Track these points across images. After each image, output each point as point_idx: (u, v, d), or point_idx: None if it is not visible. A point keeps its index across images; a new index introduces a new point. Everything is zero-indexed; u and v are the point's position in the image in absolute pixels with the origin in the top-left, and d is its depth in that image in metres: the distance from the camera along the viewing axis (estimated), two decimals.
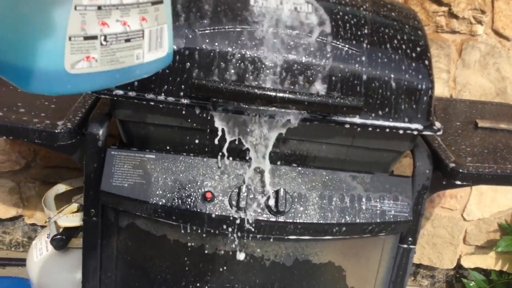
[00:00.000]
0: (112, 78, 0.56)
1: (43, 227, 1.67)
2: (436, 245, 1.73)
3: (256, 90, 0.86)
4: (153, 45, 0.60)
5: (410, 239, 1.07)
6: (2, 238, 1.73)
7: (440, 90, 1.52)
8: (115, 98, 0.92)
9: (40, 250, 1.22)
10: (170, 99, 0.91)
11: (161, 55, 0.63)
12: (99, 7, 0.52)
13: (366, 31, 0.95)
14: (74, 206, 1.21)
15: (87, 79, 0.53)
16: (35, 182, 1.64)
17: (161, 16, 0.61)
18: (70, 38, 0.50)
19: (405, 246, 1.07)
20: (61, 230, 1.18)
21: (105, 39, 0.54)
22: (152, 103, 0.91)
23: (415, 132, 0.95)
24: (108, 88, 0.58)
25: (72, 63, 0.51)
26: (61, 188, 1.28)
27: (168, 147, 1.00)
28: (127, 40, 0.56)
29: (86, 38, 0.52)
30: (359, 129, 0.94)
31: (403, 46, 0.95)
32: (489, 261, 1.75)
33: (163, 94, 0.91)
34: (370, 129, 0.94)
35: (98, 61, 0.54)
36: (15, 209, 1.68)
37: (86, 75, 0.53)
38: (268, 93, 0.86)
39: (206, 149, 1.00)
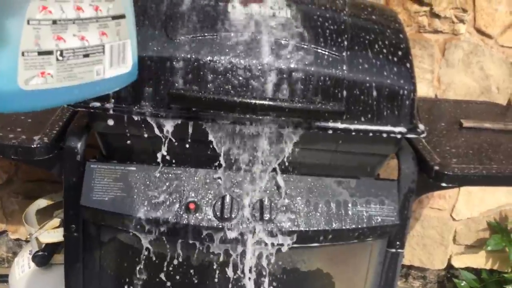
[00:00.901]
0: (70, 94, 0.54)
1: (27, 242, 1.64)
2: (426, 246, 1.72)
3: (235, 98, 0.84)
4: (115, 60, 0.59)
5: (398, 243, 1.05)
6: None
7: (425, 90, 1.51)
8: (92, 111, 0.90)
9: (22, 267, 1.20)
10: (148, 110, 0.89)
11: (125, 71, 0.61)
12: (54, 21, 0.51)
13: (346, 35, 0.93)
14: (56, 221, 1.18)
15: (43, 96, 0.51)
16: (18, 196, 1.61)
17: (124, 31, 0.59)
18: (23, 54, 0.49)
19: (393, 250, 1.06)
20: (43, 246, 1.15)
21: (61, 54, 0.52)
22: (130, 115, 0.89)
23: (399, 136, 0.94)
24: (67, 103, 0.56)
25: (26, 79, 0.50)
26: (42, 203, 1.25)
27: (149, 159, 0.98)
28: (86, 55, 0.55)
29: (41, 53, 0.50)
30: (342, 134, 0.93)
31: (384, 50, 0.94)
32: (480, 260, 1.75)
33: (141, 105, 0.89)
34: (353, 133, 0.92)
35: (54, 77, 0.52)
36: None
37: (42, 92, 0.51)
38: (248, 101, 0.84)
39: (189, 159, 0.98)
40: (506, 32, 1.46)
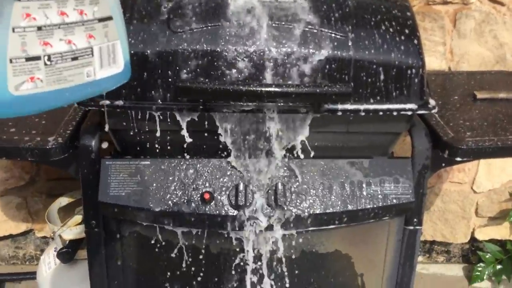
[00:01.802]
0: (61, 97, 0.55)
1: (53, 239, 1.68)
2: (448, 220, 1.71)
3: (241, 87, 0.84)
4: (105, 61, 0.60)
5: (415, 220, 1.05)
6: (15, 253, 1.75)
7: (438, 63, 1.49)
8: (102, 109, 0.91)
9: (49, 264, 1.23)
10: (158, 104, 0.90)
11: (117, 71, 0.62)
12: (39, 28, 0.52)
13: (350, 14, 0.92)
14: (78, 217, 1.21)
15: (34, 100, 0.53)
16: (41, 195, 1.65)
17: (112, 32, 0.60)
18: (11, 61, 0.50)
19: (411, 228, 1.06)
20: (67, 242, 1.18)
21: (49, 59, 0.53)
22: (139, 111, 0.91)
23: (410, 113, 0.93)
24: (59, 106, 0.58)
25: (16, 85, 0.51)
26: (64, 200, 1.28)
27: (162, 152, 0.99)
28: (74, 58, 0.56)
29: (28, 59, 0.51)
30: (352, 115, 0.92)
31: (390, 27, 0.92)
32: (504, 232, 1.73)
33: (150, 100, 0.90)
34: (363, 114, 0.92)
35: (44, 81, 0.53)
36: (25, 224, 1.69)
37: (33, 96, 0.53)
38: (254, 89, 0.84)
39: (201, 150, 0.98)
40: None
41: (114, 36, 0.61)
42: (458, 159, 0.98)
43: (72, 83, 0.56)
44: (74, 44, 0.56)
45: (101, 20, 0.58)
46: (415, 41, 0.92)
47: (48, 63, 0.53)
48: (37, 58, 0.52)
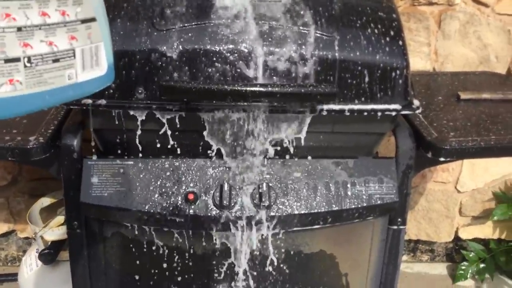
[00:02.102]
0: (42, 100, 0.54)
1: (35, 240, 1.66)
2: (432, 219, 1.72)
3: (226, 87, 0.84)
4: (87, 64, 0.58)
5: (399, 220, 1.05)
6: None
7: (422, 64, 1.50)
8: (84, 108, 0.90)
9: (30, 266, 1.21)
10: (141, 104, 0.89)
11: (100, 74, 0.61)
12: (19, 29, 0.50)
13: (336, 14, 0.92)
14: (61, 218, 1.19)
15: (13, 103, 0.51)
16: (24, 196, 1.62)
17: (95, 34, 0.59)
18: None
19: (395, 227, 1.06)
20: (49, 244, 1.16)
21: (29, 61, 0.52)
22: (123, 110, 0.89)
23: (394, 113, 0.94)
24: (39, 109, 0.56)
25: None
26: (46, 201, 1.26)
27: (145, 152, 0.98)
28: (56, 61, 0.54)
29: (7, 61, 0.50)
30: (337, 115, 0.92)
31: (375, 27, 0.92)
32: (487, 231, 1.75)
33: (132, 99, 0.89)
34: (348, 114, 0.92)
35: (24, 84, 0.51)
36: (7, 224, 1.67)
37: (12, 99, 0.51)
38: (239, 88, 0.84)
39: (185, 150, 0.98)
40: (503, 0, 1.43)
41: (98, 38, 0.59)
42: (442, 159, 0.98)
43: (53, 86, 0.55)
44: (56, 45, 0.54)
45: (84, 21, 0.57)
46: (400, 42, 0.93)
47: (28, 65, 0.52)
48: (17, 59, 0.51)
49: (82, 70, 0.58)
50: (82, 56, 0.57)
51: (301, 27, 0.89)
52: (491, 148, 0.99)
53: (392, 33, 0.93)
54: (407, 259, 1.82)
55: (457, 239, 1.78)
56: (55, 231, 1.14)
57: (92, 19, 0.58)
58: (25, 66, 0.52)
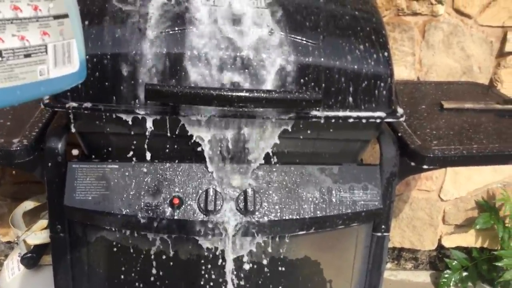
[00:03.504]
0: (12, 95, 0.53)
1: (17, 244, 1.64)
2: (416, 227, 1.74)
3: (212, 92, 0.84)
4: (59, 60, 0.58)
5: (383, 227, 1.06)
6: None
7: (407, 73, 1.52)
8: (69, 111, 0.89)
9: (12, 270, 1.20)
10: (126, 107, 0.89)
11: (71, 71, 0.60)
12: None
13: (320, 21, 0.93)
14: (44, 222, 1.18)
15: None
16: (6, 199, 1.60)
17: (67, 31, 0.58)
18: None
19: (379, 234, 1.07)
20: (31, 248, 1.15)
21: (0, 55, 0.51)
22: (108, 114, 0.89)
23: (378, 120, 0.95)
24: (10, 105, 0.56)
25: None
26: (28, 205, 1.25)
27: (131, 155, 0.97)
28: (27, 56, 0.54)
29: None
30: (322, 121, 0.93)
31: (360, 36, 0.94)
32: (470, 239, 1.77)
33: (118, 102, 0.89)
34: (333, 121, 0.93)
35: None
36: None
37: None
38: (224, 93, 0.84)
39: (171, 154, 0.98)
40: (485, 11, 1.46)
41: (70, 34, 0.59)
42: (425, 166, 0.99)
43: (24, 81, 0.54)
44: (28, 40, 0.54)
45: (56, 17, 0.57)
46: (385, 51, 0.94)
47: (0, 59, 0.51)
48: None
49: (54, 66, 0.57)
50: (54, 52, 0.57)
51: (286, 34, 0.90)
52: (473, 157, 1.01)
53: (377, 42, 0.94)
54: (391, 266, 1.83)
55: (440, 247, 1.79)
56: (38, 235, 1.13)
57: (65, 16, 0.58)
58: None
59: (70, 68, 0.60)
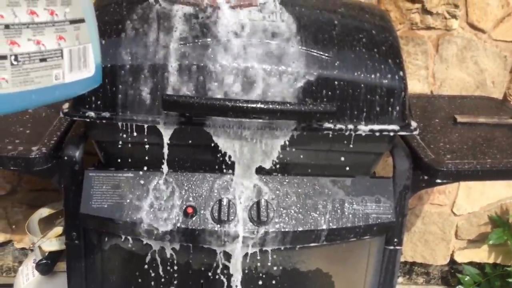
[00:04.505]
0: (27, 99, 0.54)
1: (32, 250, 1.66)
2: (428, 241, 1.73)
3: (227, 103, 0.86)
4: (75, 64, 0.58)
5: (395, 240, 1.06)
6: None
7: (420, 87, 1.52)
8: (88, 120, 0.91)
9: (27, 276, 1.21)
10: (144, 118, 0.90)
11: (87, 75, 0.61)
12: (7, 26, 0.50)
13: (336, 35, 0.95)
14: (59, 229, 1.20)
15: None
16: (22, 206, 1.62)
17: (83, 35, 0.59)
18: None
19: (391, 247, 1.07)
20: (46, 254, 1.16)
21: (16, 59, 0.51)
22: (126, 123, 0.91)
23: (392, 134, 0.95)
24: (25, 109, 0.57)
25: None
26: (44, 212, 1.27)
27: (146, 165, 0.99)
28: (43, 60, 0.54)
29: None
30: (336, 134, 0.94)
31: (374, 49, 0.95)
32: (482, 255, 1.75)
33: (136, 112, 0.91)
34: (346, 133, 0.94)
35: (10, 82, 0.51)
36: (4, 234, 1.66)
37: None
38: (240, 104, 0.85)
39: (186, 164, 0.99)
40: (499, 26, 1.46)
41: (86, 39, 0.60)
42: (438, 180, 0.99)
43: (39, 85, 0.54)
44: (43, 45, 0.54)
45: (72, 22, 0.57)
46: (399, 65, 0.95)
47: (15, 63, 0.52)
48: (3, 57, 0.51)
49: (69, 70, 0.58)
50: (69, 56, 0.58)
51: (301, 47, 0.91)
52: (487, 171, 1.01)
53: (391, 55, 0.95)
54: (402, 281, 1.82)
55: (452, 262, 1.78)
56: (53, 241, 1.15)
57: (81, 20, 0.59)
58: (11, 64, 0.51)
59: (85, 73, 0.61)
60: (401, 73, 0.94)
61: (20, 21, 0.52)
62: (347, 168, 1.03)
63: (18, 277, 1.24)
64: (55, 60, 0.56)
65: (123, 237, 0.99)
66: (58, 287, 1.18)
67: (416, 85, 1.51)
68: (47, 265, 1.14)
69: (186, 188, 0.98)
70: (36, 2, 0.53)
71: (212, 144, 0.94)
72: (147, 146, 0.96)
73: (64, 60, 0.57)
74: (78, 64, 0.59)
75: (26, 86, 0.53)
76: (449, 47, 1.48)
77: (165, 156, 0.96)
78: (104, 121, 0.91)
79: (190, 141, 0.95)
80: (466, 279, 1.73)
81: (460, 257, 1.76)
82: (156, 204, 0.97)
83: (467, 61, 1.50)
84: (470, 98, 1.44)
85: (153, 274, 1.03)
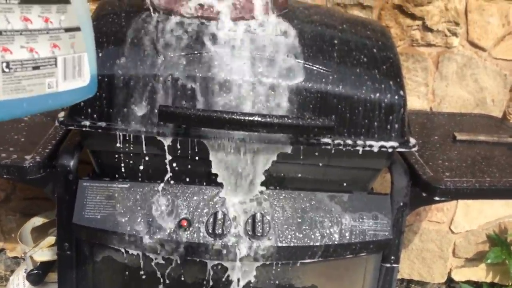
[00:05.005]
0: (19, 108, 0.52)
1: (24, 259, 1.64)
2: (425, 259, 1.71)
3: (224, 115, 0.85)
4: (69, 73, 0.57)
5: (392, 257, 1.05)
6: None
7: (419, 103, 1.52)
8: (84, 129, 0.90)
9: (17, 286, 1.19)
10: (140, 128, 0.89)
11: (81, 85, 0.59)
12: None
13: (336, 50, 0.94)
14: (52, 239, 1.18)
15: None
16: (16, 214, 1.61)
17: (79, 44, 0.57)
18: None
19: (388, 265, 1.05)
20: (38, 264, 1.15)
21: (7, 66, 0.50)
22: (122, 133, 0.90)
23: (390, 150, 0.94)
24: (17, 117, 0.55)
25: None
26: (38, 221, 1.25)
27: (141, 176, 0.98)
28: (36, 68, 0.53)
29: None
30: (333, 149, 0.93)
31: (374, 65, 0.94)
32: (480, 273, 1.73)
33: (132, 123, 0.90)
34: (344, 148, 0.93)
35: (0, 90, 0.50)
36: None
37: None
38: (237, 117, 0.84)
39: (181, 176, 0.98)
40: (500, 44, 1.46)
41: (81, 48, 0.58)
42: (437, 198, 0.98)
43: (31, 93, 0.53)
44: (37, 52, 0.53)
45: (68, 30, 0.56)
46: (398, 81, 0.94)
47: (6, 70, 0.50)
48: None
49: (63, 79, 0.56)
50: (64, 65, 0.56)
51: (300, 61, 0.91)
52: (485, 190, 1.00)
53: (390, 71, 0.94)
54: None
55: (450, 280, 1.76)
56: (45, 251, 1.13)
57: (77, 29, 0.57)
58: (3, 71, 0.50)
59: (80, 82, 0.60)
60: (400, 90, 0.93)
61: (13, 28, 0.51)
62: (345, 184, 1.02)
63: (8, 287, 1.22)
64: (49, 68, 0.55)
65: (115, 248, 0.97)
66: None
67: (415, 102, 1.50)
68: (38, 276, 1.12)
69: (180, 200, 0.97)
70: (30, 8, 0.51)
71: (208, 157, 0.93)
72: (142, 157, 0.95)
73: (58, 69, 0.56)
74: (72, 73, 0.58)
75: (17, 94, 0.52)
76: (449, 65, 1.48)
77: (161, 168, 0.95)
78: (99, 131, 0.90)
79: (186, 153, 0.93)
80: None
81: (458, 276, 1.74)
82: (150, 216, 0.96)
83: (467, 79, 1.50)
84: (469, 115, 1.44)
85: (145, 287, 1.01)
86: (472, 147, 1.17)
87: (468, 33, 1.45)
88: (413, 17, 1.41)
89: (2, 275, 1.71)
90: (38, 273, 1.12)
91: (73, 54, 0.58)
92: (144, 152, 0.93)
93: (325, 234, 0.98)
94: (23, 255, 1.16)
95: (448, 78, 1.49)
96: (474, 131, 1.26)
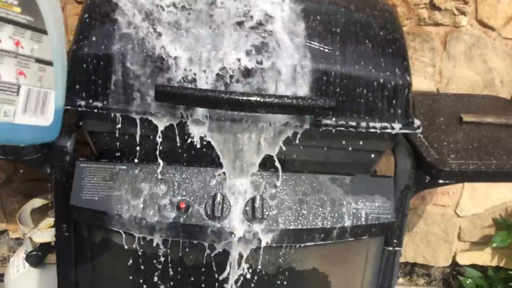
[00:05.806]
0: None
1: None
2: (430, 243, 1.69)
3: (222, 95, 0.83)
4: (31, 107, 0.52)
5: (395, 241, 1.03)
6: None
7: (426, 84, 1.48)
8: (80, 109, 0.88)
9: (18, 267, 1.19)
10: (137, 108, 0.88)
11: (42, 124, 0.54)
12: None
13: (339, 29, 0.91)
14: (51, 220, 1.18)
15: None
16: (18, 195, 1.60)
17: (48, 79, 0.53)
18: None
19: (391, 248, 1.04)
20: (37, 246, 1.14)
21: None
22: (118, 114, 0.88)
23: (394, 131, 0.92)
24: None
25: None
26: (37, 202, 1.25)
27: (139, 157, 0.96)
28: None
29: None
30: (336, 130, 0.91)
31: (378, 44, 0.92)
32: (485, 257, 1.71)
33: (129, 103, 0.88)
34: (347, 130, 0.90)
35: None
36: None
37: None
38: (236, 97, 0.82)
39: (179, 158, 0.96)
40: (510, 24, 1.42)
41: (50, 84, 0.54)
42: (441, 181, 0.96)
43: None
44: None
45: (39, 61, 0.51)
46: (403, 61, 0.92)
47: None
48: None
49: (22, 111, 0.51)
50: (27, 96, 0.51)
51: (302, 39, 0.88)
52: (491, 173, 0.97)
53: (396, 51, 0.92)
54: (403, 282, 1.79)
55: (454, 264, 1.74)
56: (44, 233, 1.12)
57: (49, 63, 0.53)
58: None
59: (41, 121, 0.54)
60: (405, 69, 0.91)
61: None
62: (347, 166, 0.99)
63: (9, 268, 1.23)
64: (9, 94, 0.49)
65: (113, 230, 0.96)
66: (48, 279, 1.16)
67: (422, 83, 1.47)
68: (37, 257, 1.12)
69: (179, 182, 0.95)
70: (2, 27, 0.47)
71: (206, 138, 0.91)
72: (139, 138, 0.93)
73: (20, 98, 0.51)
74: (34, 108, 0.53)
75: None
76: (457, 45, 1.44)
77: (158, 149, 0.93)
78: (96, 111, 0.88)
79: (183, 134, 0.92)
80: (468, 281, 1.69)
81: (463, 259, 1.72)
82: (148, 198, 0.94)
83: (475, 59, 1.46)
84: (477, 97, 1.40)
85: (143, 268, 1.01)
86: (479, 129, 1.14)
87: (477, 12, 1.41)
88: None
89: (5, 256, 1.71)
90: (38, 255, 1.12)
91: (40, 88, 0.53)
92: (141, 133, 0.91)
93: (326, 217, 0.96)
94: (22, 236, 1.16)
95: (456, 59, 1.45)
96: (481, 113, 1.23)
